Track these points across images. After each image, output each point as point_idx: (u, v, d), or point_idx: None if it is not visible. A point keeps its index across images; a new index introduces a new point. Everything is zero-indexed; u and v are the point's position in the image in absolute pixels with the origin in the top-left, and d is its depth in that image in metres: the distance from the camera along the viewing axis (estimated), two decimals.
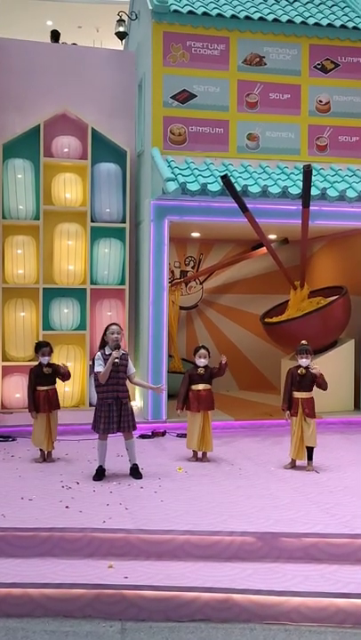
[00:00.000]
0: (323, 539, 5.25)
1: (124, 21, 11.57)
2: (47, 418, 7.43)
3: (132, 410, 6.84)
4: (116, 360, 6.63)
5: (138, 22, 11.10)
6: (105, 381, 6.67)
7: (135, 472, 6.84)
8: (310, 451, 7.27)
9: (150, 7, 9.67)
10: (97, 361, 6.77)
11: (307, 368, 7.29)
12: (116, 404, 6.72)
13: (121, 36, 11.70)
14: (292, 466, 7.32)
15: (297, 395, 7.31)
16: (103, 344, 6.83)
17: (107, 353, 6.73)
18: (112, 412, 6.70)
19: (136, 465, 6.89)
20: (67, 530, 5.32)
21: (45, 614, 4.72)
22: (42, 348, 7.57)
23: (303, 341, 7.47)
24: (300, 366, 7.32)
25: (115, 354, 6.64)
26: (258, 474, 7.06)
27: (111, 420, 6.70)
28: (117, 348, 6.70)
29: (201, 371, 7.62)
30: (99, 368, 6.71)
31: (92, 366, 6.86)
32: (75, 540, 5.28)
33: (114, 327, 6.80)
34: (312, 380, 7.29)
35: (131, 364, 6.88)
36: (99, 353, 6.82)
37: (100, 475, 6.78)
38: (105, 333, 6.84)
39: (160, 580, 4.84)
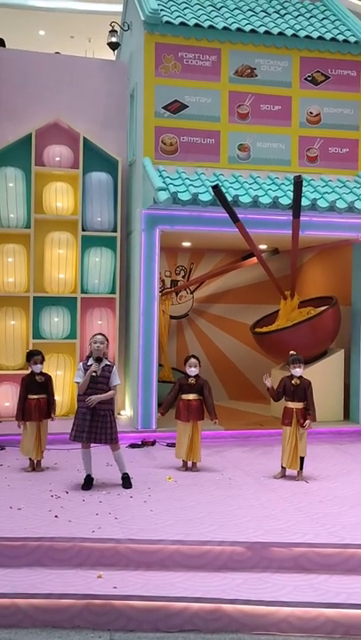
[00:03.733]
0: (312, 548, 5.26)
1: (116, 32, 11.64)
2: (37, 427, 7.39)
3: (112, 422, 6.74)
4: (94, 374, 6.64)
5: (130, 33, 11.16)
6: (83, 392, 6.67)
7: (126, 481, 6.83)
8: (301, 460, 7.28)
9: (143, 18, 9.73)
10: (77, 371, 6.81)
11: (300, 377, 7.31)
12: (92, 414, 6.66)
13: (113, 46, 11.76)
14: (282, 475, 7.32)
15: (291, 405, 7.32)
16: (90, 354, 6.83)
17: (88, 363, 6.73)
18: (85, 421, 6.65)
19: (127, 474, 6.87)
20: (56, 539, 5.29)
21: (34, 625, 4.69)
22: (34, 356, 7.55)
23: (292, 352, 7.50)
24: (293, 376, 7.34)
25: (93, 367, 6.64)
26: (248, 484, 7.05)
27: (82, 429, 6.66)
28: (98, 360, 6.69)
29: (192, 381, 7.62)
30: (77, 379, 6.75)
31: None
32: (64, 550, 5.25)
33: (98, 337, 6.80)
34: (304, 390, 7.30)
35: (115, 375, 6.80)
36: (80, 363, 6.85)
37: (88, 484, 6.76)
38: (90, 342, 6.84)
39: (149, 590, 4.82)
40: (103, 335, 6.86)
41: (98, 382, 6.67)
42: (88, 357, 6.81)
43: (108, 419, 6.71)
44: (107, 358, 6.88)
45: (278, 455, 7.48)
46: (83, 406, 6.69)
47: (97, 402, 6.60)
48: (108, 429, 6.70)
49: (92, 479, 6.81)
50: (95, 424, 6.67)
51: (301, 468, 7.28)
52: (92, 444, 6.79)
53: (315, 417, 7.29)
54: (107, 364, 6.78)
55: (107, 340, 6.85)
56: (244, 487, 6.91)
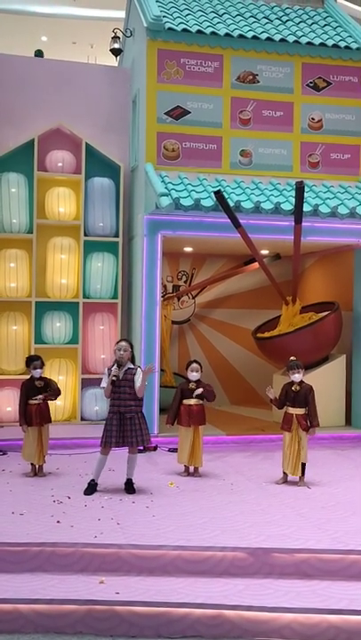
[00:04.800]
0: (315, 554, 5.25)
1: (118, 38, 11.67)
2: (39, 431, 7.40)
3: (141, 424, 6.82)
4: (114, 378, 6.70)
5: (133, 39, 11.21)
6: (109, 396, 6.77)
7: (129, 486, 6.84)
8: (302, 466, 7.27)
9: (145, 25, 9.77)
10: (103, 376, 6.90)
11: (300, 383, 7.31)
12: (118, 419, 6.74)
13: (116, 52, 11.79)
14: (284, 481, 7.32)
15: (291, 410, 7.32)
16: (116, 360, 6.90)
17: (112, 368, 6.80)
18: (112, 426, 6.73)
19: (131, 480, 6.88)
20: (58, 545, 5.28)
21: (36, 630, 4.69)
22: (33, 361, 7.55)
23: (292, 357, 7.51)
24: (293, 382, 7.34)
25: (113, 371, 6.73)
26: (249, 489, 7.05)
27: (110, 434, 6.73)
28: (119, 365, 6.74)
29: (192, 385, 7.63)
30: (103, 384, 6.86)
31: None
32: (66, 555, 5.24)
33: (122, 344, 6.87)
34: (305, 396, 7.30)
35: (138, 376, 6.81)
36: (106, 369, 6.92)
37: (91, 489, 6.76)
38: (114, 349, 6.93)
39: (151, 596, 4.81)
40: (127, 341, 6.93)
41: (121, 386, 6.74)
42: (115, 362, 6.86)
43: (136, 420, 6.76)
44: (133, 362, 6.91)
45: (280, 461, 7.47)
46: (110, 412, 6.80)
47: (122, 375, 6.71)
48: (138, 431, 6.76)
49: (96, 485, 6.81)
50: (123, 427, 6.73)
51: (303, 473, 7.28)
52: (114, 449, 6.84)
53: (318, 423, 7.28)
54: (129, 367, 6.82)
55: (131, 346, 6.90)
56: (246, 493, 6.90)
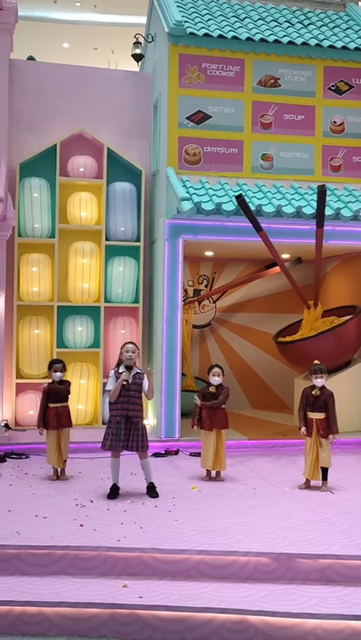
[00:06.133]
0: (339, 560, 5.21)
1: (140, 43, 11.73)
2: (57, 435, 7.41)
3: (143, 430, 6.80)
4: (125, 382, 6.67)
5: (154, 44, 11.25)
6: (115, 400, 6.71)
7: (151, 491, 6.84)
8: (325, 471, 7.23)
9: (167, 30, 9.81)
10: (109, 379, 6.83)
11: (322, 388, 7.27)
12: (126, 422, 6.72)
13: (137, 57, 11.85)
14: (307, 486, 7.27)
15: (311, 415, 7.28)
16: (120, 362, 6.86)
17: (119, 371, 6.76)
18: (120, 430, 6.70)
19: (152, 484, 6.88)
20: (81, 548, 5.31)
21: (60, 633, 4.71)
22: (54, 364, 7.60)
23: (316, 361, 7.46)
24: (314, 387, 7.30)
25: (124, 375, 6.68)
26: (272, 494, 7.02)
27: (118, 437, 6.69)
28: (129, 368, 6.72)
29: (213, 389, 7.62)
30: (109, 386, 6.79)
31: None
32: (89, 559, 5.26)
33: (129, 346, 6.83)
34: (325, 401, 7.25)
35: (146, 381, 6.82)
36: (112, 371, 6.87)
37: (114, 493, 6.77)
38: (121, 351, 6.87)
39: (175, 601, 4.81)
40: (134, 344, 6.90)
41: (130, 390, 6.71)
42: (118, 365, 6.84)
43: (139, 426, 6.75)
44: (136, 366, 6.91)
45: (302, 465, 7.43)
46: (116, 415, 6.73)
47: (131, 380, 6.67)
48: (141, 437, 6.74)
49: (118, 488, 6.83)
50: (129, 432, 6.71)
51: (325, 478, 7.23)
52: (122, 453, 6.82)
53: (337, 429, 7.22)
54: (137, 372, 6.81)
55: (137, 349, 6.90)
56: (269, 497, 6.87)
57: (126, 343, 6.90)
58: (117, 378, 6.74)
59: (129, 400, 6.72)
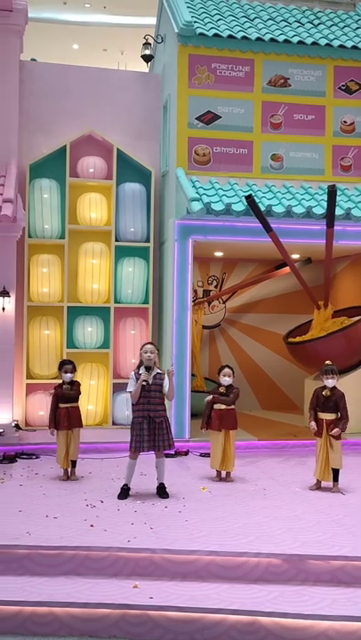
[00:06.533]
0: (350, 562, 5.18)
1: (149, 44, 11.74)
2: (66, 435, 7.42)
3: (167, 428, 6.81)
4: (144, 383, 6.67)
5: (164, 45, 11.26)
6: (136, 401, 6.71)
7: (162, 491, 6.83)
8: (336, 472, 7.19)
9: (176, 30, 9.81)
10: (130, 380, 6.84)
11: (332, 389, 7.24)
12: (148, 423, 6.72)
13: (147, 58, 11.84)
14: (318, 487, 7.24)
15: (321, 416, 7.25)
16: (141, 362, 6.86)
17: (139, 372, 6.76)
18: (142, 431, 6.70)
19: (163, 484, 6.87)
20: (92, 549, 5.30)
21: (70, 633, 4.71)
22: (64, 365, 7.61)
23: (328, 361, 7.42)
24: (325, 387, 7.27)
25: (143, 376, 6.68)
26: (282, 495, 6.99)
27: (141, 439, 6.70)
28: (148, 369, 6.72)
29: (222, 389, 7.60)
30: (130, 388, 6.80)
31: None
32: (100, 559, 5.26)
33: (148, 346, 6.83)
34: (336, 402, 7.22)
35: (166, 381, 6.79)
36: (132, 372, 6.88)
37: (124, 494, 6.76)
38: (140, 352, 6.89)
39: (185, 601, 4.79)
40: (153, 344, 6.91)
41: (150, 390, 6.72)
42: (139, 366, 6.84)
43: (163, 425, 6.76)
44: (157, 366, 6.91)
45: (313, 466, 7.40)
46: (138, 416, 6.75)
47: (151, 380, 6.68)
48: (166, 435, 6.77)
49: (129, 489, 6.82)
50: (153, 431, 6.72)
51: (336, 479, 7.19)
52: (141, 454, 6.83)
53: (344, 427, 7.18)
54: (158, 372, 6.81)
55: (157, 349, 6.89)
56: (279, 498, 6.85)
57: (145, 344, 6.93)
58: (138, 379, 6.75)
59: (149, 401, 6.73)
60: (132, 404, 6.80)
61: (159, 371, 6.84)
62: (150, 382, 6.71)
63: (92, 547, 5.31)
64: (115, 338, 10.40)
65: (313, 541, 5.50)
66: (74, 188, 10.37)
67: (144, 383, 6.68)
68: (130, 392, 6.80)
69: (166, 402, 6.87)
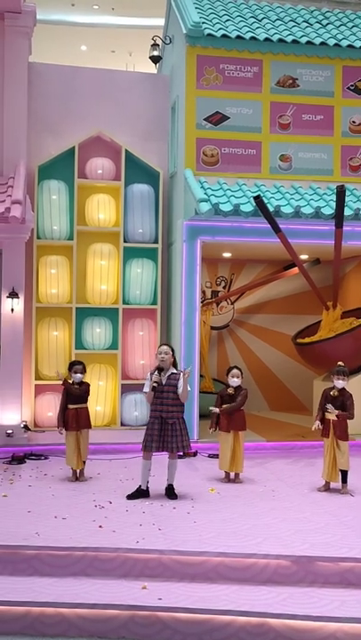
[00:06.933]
0: (359, 563, 5.16)
1: (157, 45, 11.74)
2: (76, 436, 7.43)
3: (181, 430, 6.81)
4: (155, 384, 6.68)
5: (172, 46, 11.26)
6: (151, 401, 6.76)
7: (170, 492, 6.83)
8: (344, 474, 7.17)
9: (184, 31, 9.81)
10: (146, 381, 6.87)
11: (341, 390, 7.21)
12: (160, 423, 6.74)
13: (155, 59, 11.85)
14: (326, 488, 7.22)
15: (329, 416, 7.23)
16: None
17: (154, 374, 6.79)
18: (153, 430, 6.73)
19: (172, 485, 6.88)
20: (100, 549, 5.30)
21: (79, 634, 4.71)
22: (74, 365, 7.62)
23: (340, 362, 7.41)
24: (334, 387, 7.25)
25: (154, 377, 6.71)
26: (291, 496, 6.97)
27: (151, 438, 6.72)
28: (159, 370, 6.73)
29: (231, 390, 7.59)
30: (145, 389, 6.83)
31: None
32: (108, 560, 5.26)
33: (163, 347, 6.88)
34: (343, 402, 7.20)
35: (181, 382, 6.74)
36: (148, 373, 6.91)
37: (137, 495, 6.74)
38: (156, 354, 6.92)
39: (194, 603, 4.79)
40: (168, 345, 6.94)
41: (163, 391, 6.74)
42: (157, 367, 6.85)
43: (177, 426, 6.76)
44: (175, 367, 6.90)
45: (321, 468, 7.38)
46: (151, 416, 6.80)
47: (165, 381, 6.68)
48: (179, 437, 6.76)
49: (143, 491, 6.78)
50: (164, 432, 6.73)
51: (345, 481, 7.17)
52: (155, 454, 6.83)
53: (350, 415, 7.14)
54: (173, 372, 6.81)
55: (172, 350, 6.89)
56: (288, 500, 6.83)
57: (161, 345, 6.98)
58: (152, 380, 6.78)
59: (163, 402, 6.75)
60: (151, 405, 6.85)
61: (174, 371, 6.84)
62: (163, 383, 6.71)
63: (101, 547, 5.32)
64: (123, 339, 10.41)
65: (322, 543, 5.48)
66: (82, 190, 10.39)
67: (155, 384, 6.69)
68: (145, 393, 6.83)
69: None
